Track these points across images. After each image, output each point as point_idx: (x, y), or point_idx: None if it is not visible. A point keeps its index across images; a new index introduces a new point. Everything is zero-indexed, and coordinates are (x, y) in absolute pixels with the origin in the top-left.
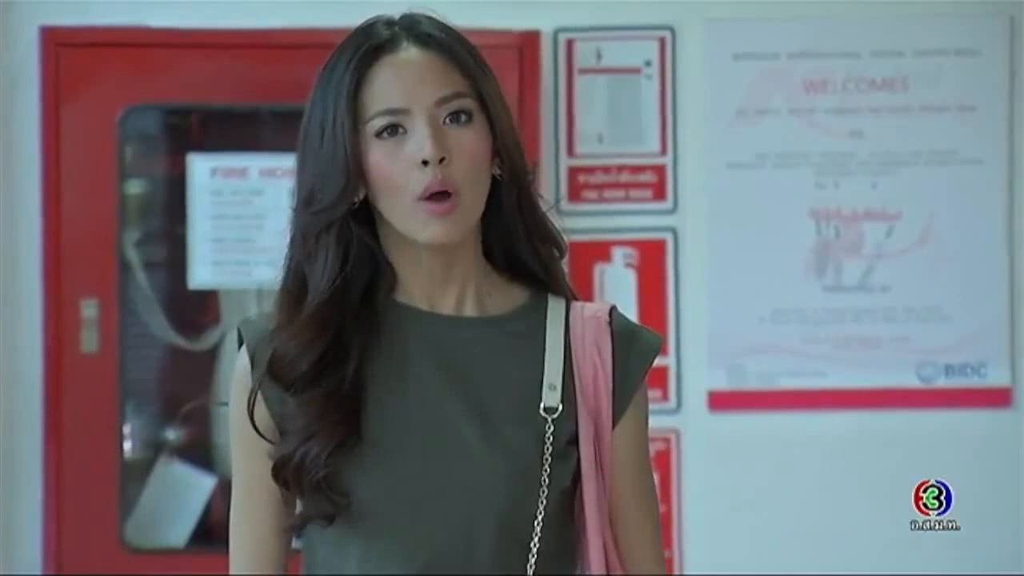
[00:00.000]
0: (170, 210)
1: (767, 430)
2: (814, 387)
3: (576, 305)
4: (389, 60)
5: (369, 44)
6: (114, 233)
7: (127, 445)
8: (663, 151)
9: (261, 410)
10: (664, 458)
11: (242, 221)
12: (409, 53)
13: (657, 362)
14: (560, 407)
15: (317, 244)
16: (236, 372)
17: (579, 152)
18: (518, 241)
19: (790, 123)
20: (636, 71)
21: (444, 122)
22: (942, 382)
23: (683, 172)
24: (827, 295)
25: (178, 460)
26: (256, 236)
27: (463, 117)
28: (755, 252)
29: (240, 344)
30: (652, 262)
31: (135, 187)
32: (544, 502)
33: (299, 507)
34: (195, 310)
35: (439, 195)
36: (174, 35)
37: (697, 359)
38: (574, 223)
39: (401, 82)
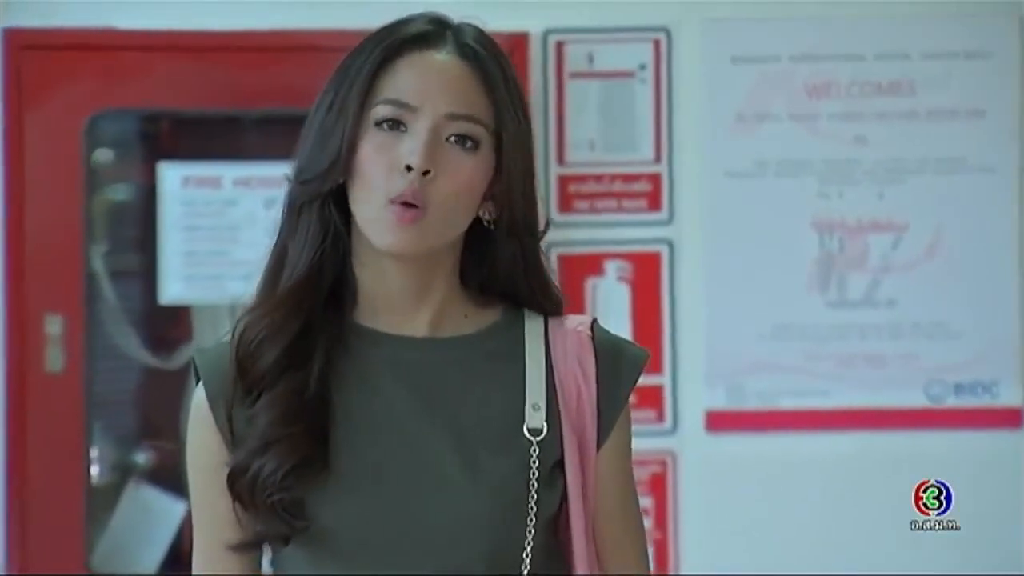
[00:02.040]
0: (139, 221)
1: (768, 452)
2: (817, 407)
3: (554, 319)
4: (421, 56)
5: (408, 32)
6: (80, 245)
7: (94, 469)
8: (658, 159)
9: (222, 424)
10: (660, 481)
11: (215, 233)
12: (444, 56)
13: (653, 381)
14: (545, 429)
15: (299, 218)
16: (192, 407)
17: (570, 160)
18: (521, 295)
19: (791, 129)
20: (630, 75)
21: (448, 139)
22: (951, 401)
23: (679, 181)
24: (831, 310)
25: (148, 484)
26: (230, 249)
27: (468, 143)
28: (755, 265)
29: (196, 377)
30: (647, 276)
31: (103, 197)
32: (532, 532)
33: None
34: (166, 326)
35: (407, 204)
36: (144, 37)
37: (694, 377)
38: (565, 235)
39: (422, 80)
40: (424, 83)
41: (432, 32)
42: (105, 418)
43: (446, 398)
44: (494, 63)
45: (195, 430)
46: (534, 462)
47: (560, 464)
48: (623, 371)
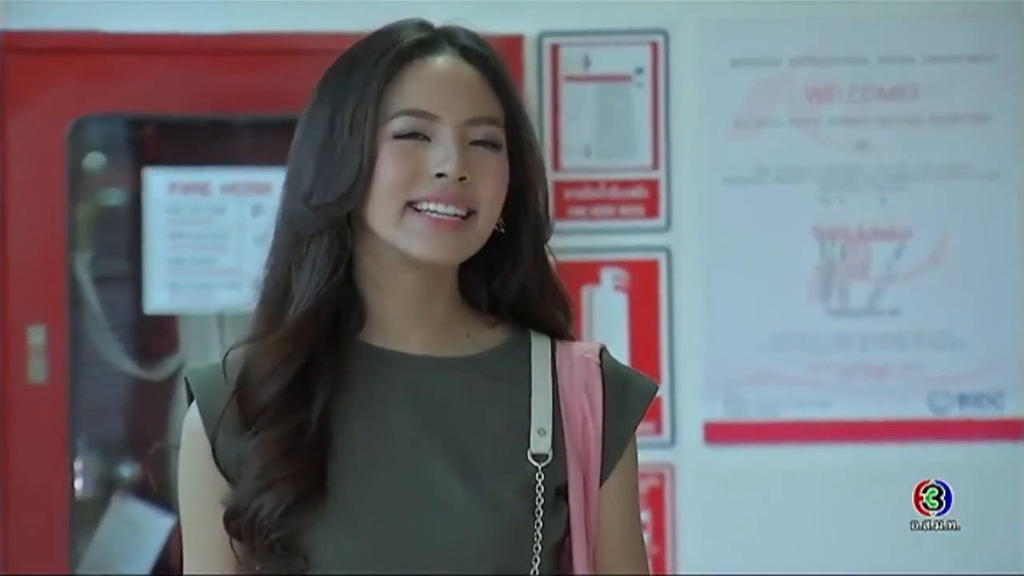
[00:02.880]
0: (124, 229)
1: (768, 464)
2: (818, 418)
3: (562, 343)
4: (425, 62)
5: (407, 41)
6: (64, 254)
7: (78, 482)
8: (655, 165)
9: (212, 463)
10: (658, 495)
11: (202, 241)
12: (449, 60)
13: None
14: (550, 454)
15: (308, 247)
16: (184, 429)
17: (565, 166)
18: (533, 304)
19: (792, 134)
20: (626, 78)
21: (471, 144)
22: (956, 413)
23: (677, 187)
24: (832, 319)
25: (134, 498)
26: (217, 257)
27: (492, 145)
28: (755, 273)
29: (189, 398)
30: (644, 284)
31: (87, 204)
32: (538, 560)
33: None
34: (152, 336)
35: (460, 217)
36: (129, 40)
37: (693, 389)
38: (559, 243)
39: (435, 87)
40: (437, 90)
41: (427, 38)
42: (90, 430)
43: (448, 418)
44: (495, 62)
45: (188, 452)
46: (539, 488)
47: (563, 491)
48: (630, 404)
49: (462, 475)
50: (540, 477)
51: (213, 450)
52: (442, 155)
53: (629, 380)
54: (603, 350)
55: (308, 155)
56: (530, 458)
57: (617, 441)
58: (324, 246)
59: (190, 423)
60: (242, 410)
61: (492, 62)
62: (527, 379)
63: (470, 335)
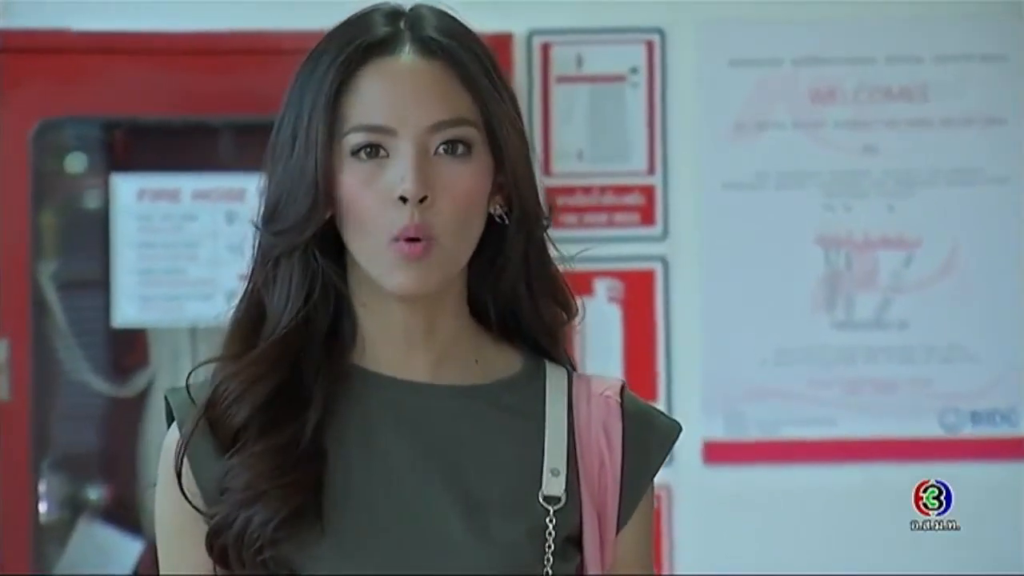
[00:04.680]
0: (92, 238)
1: (769, 485)
2: (822, 437)
3: (579, 377)
4: (382, 64)
5: (361, 40)
6: (27, 264)
7: (43, 505)
8: (651, 170)
9: (190, 484)
10: (655, 517)
11: (173, 250)
12: (407, 60)
13: None
14: (564, 498)
15: (277, 269)
16: (164, 451)
17: (556, 171)
18: (521, 298)
19: (794, 138)
20: (621, 79)
21: (437, 151)
22: (968, 431)
23: (674, 194)
24: (837, 332)
25: (101, 522)
26: (188, 267)
27: (460, 148)
28: (756, 284)
29: (169, 419)
30: (639, 295)
31: (51, 212)
32: None
33: None
34: (120, 351)
35: (412, 239)
36: (99, 39)
37: (691, 405)
38: (551, 251)
39: (391, 95)
40: (394, 97)
41: (388, 34)
42: (54, 450)
43: (454, 452)
44: (463, 50)
45: (166, 475)
46: (550, 533)
47: (575, 538)
48: (652, 446)
49: (465, 513)
50: (552, 521)
51: (192, 473)
52: (398, 175)
53: (651, 421)
54: (623, 387)
55: (273, 170)
56: (541, 500)
57: (636, 486)
58: (296, 268)
59: (169, 446)
60: (215, 435)
61: (457, 51)
62: (540, 414)
63: (479, 361)
